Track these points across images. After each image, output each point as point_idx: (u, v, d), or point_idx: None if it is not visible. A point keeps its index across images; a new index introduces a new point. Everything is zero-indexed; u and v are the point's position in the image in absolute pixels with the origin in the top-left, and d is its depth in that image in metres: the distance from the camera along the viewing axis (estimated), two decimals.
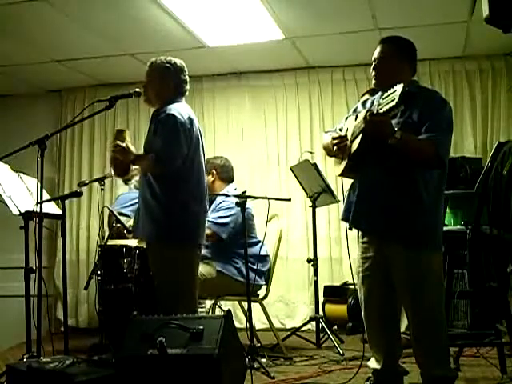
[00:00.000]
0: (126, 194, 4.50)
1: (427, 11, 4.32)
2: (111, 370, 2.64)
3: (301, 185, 4.75)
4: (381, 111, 2.54)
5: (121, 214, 4.30)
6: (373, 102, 2.90)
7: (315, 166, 4.55)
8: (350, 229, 2.92)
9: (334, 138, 2.85)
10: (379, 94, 2.88)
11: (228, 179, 4.36)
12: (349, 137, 2.84)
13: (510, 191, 3.09)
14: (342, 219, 2.96)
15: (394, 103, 2.44)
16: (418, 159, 2.68)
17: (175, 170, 3.06)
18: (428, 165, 2.69)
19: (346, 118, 3.04)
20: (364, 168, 2.80)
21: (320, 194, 4.56)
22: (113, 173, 3.26)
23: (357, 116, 2.84)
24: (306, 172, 4.61)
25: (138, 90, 3.19)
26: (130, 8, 4.20)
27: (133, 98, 3.22)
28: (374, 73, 2.84)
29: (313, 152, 5.30)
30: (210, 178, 4.25)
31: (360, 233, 2.93)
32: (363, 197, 2.80)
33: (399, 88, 2.43)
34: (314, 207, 4.63)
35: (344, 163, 2.84)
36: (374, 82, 2.86)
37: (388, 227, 2.74)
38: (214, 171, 4.32)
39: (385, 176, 2.74)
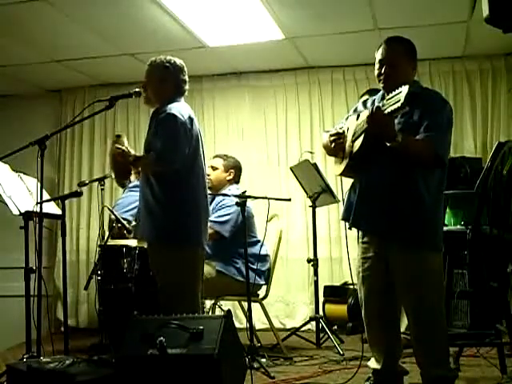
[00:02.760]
0: (124, 199, 4.49)
1: (427, 11, 4.32)
2: (111, 370, 2.64)
3: (301, 185, 4.75)
4: (385, 112, 2.53)
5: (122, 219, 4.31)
6: (373, 102, 2.90)
7: (315, 166, 4.55)
8: (350, 228, 2.93)
9: (331, 135, 2.86)
10: (380, 93, 2.88)
11: (238, 181, 4.41)
12: (350, 136, 2.83)
13: (510, 191, 3.09)
14: (343, 219, 2.96)
15: (399, 104, 2.43)
16: (417, 160, 2.69)
17: (176, 171, 3.06)
18: (428, 165, 2.69)
19: (347, 117, 3.04)
20: (365, 168, 2.80)
21: (320, 193, 4.56)
22: (113, 176, 3.27)
23: (358, 116, 2.83)
24: (306, 172, 4.61)
25: (137, 89, 3.19)
26: (130, 8, 4.20)
27: (133, 97, 3.22)
28: (382, 76, 2.78)
29: (313, 152, 5.30)
30: (226, 176, 4.30)
31: (360, 233, 2.93)
32: (364, 197, 2.80)
33: (404, 90, 2.42)
34: (314, 207, 4.63)
35: (344, 163, 2.85)
36: (382, 84, 2.81)
37: (388, 228, 2.74)
38: (233, 171, 4.34)
39: (385, 176, 2.74)
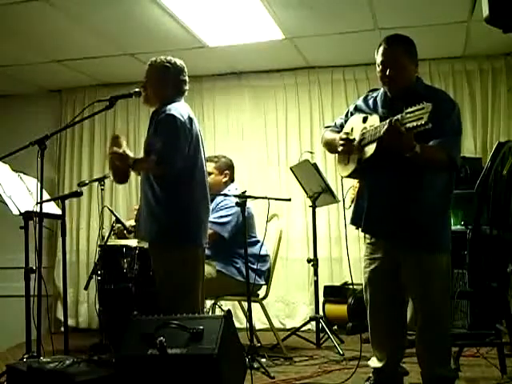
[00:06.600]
0: None
1: (427, 11, 4.32)
2: (111, 370, 2.64)
3: (301, 185, 4.75)
4: (406, 126, 2.48)
5: None
6: (375, 100, 2.88)
7: (315, 165, 4.55)
8: (363, 231, 2.94)
9: (341, 139, 2.82)
10: (381, 91, 2.86)
11: (233, 179, 4.39)
12: (356, 137, 2.79)
13: (510, 191, 3.09)
14: (352, 224, 2.95)
15: (422, 122, 2.40)
16: (432, 166, 2.69)
17: (176, 171, 3.06)
18: (442, 169, 2.71)
19: (346, 113, 3.01)
20: (373, 172, 2.79)
21: (320, 194, 4.56)
22: (112, 178, 3.25)
23: (365, 118, 2.80)
24: (305, 172, 4.61)
25: (137, 89, 3.19)
26: (130, 8, 4.20)
27: (133, 97, 3.22)
28: (386, 79, 2.75)
29: (313, 152, 5.31)
30: (222, 178, 4.28)
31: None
32: (374, 203, 2.81)
33: (428, 107, 2.39)
34: (313, 207, 4.63)
35: (351, 165, 2.82)
36: (386, 87, 2.79)
37: (400, 232, 2.75)
38: (228, 171, 4.33)
39: (395, 180, 2.74)
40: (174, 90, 3.21)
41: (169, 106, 3.11)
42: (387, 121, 2.58)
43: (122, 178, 3.17)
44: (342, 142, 2.81)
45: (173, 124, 3.06)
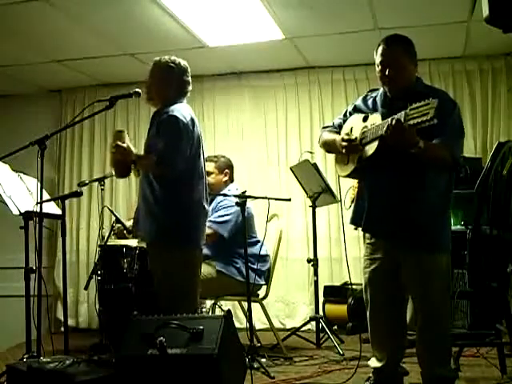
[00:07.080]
0: None
1: (427, 11, 4.32)
2: (111, 370, 2.64)
3: (301, 185, 4.75)
4: (410, 122, 2.47)
5: None
6: (374, 100, 2.88)
7: (315, 165, 4.55)
8: (363, 230, 2.94)
9: (344, 140, 2.79)
10: (381, 91, 2.86)
11: (233, 179, 4.39)
12: (357, 136, 2.78)
13: (510, 191, 3.09)
14: (352, 223, 2.95)
15: (427, 117, 2.38)
16: (435, 164, 2.69)
17: (178, 173, 3.05)
18: (444, 168, 2.71)
19: (345, 113, 3.01)
20: (373, 172, 2.79)
21: (320, 194, 4.56)
22: (113, 173, 3.25)
23: (366, 117, 2.79)
24: (306, 172, 4.61)
25: (138, 90, 3.18)
26: (130, 8, 4.20)
27: (133, 97, 3.21)
28: (387, 79, 2.74)
29: (313, 152, 5.30)
30: (222, 178, 4.29)
31: (367, 234, 2.93)
32: (375, 202, 2.80)
33: (434, 103, 2.37)
34: (313, 207, 4.63)
35: (351, 165, 2.82)
36: (387, 87, 2.78)
37: (401, 232, 2.74)
38: (228, 171, 4.33)
39: (395, 180, 2.73)
40: (177, 90, 3.21)
41: (171, 107, 3.11)
42: (389, 118, 2.58)
43: (123, 172, 3.17)
44: (344, 143, 2.79)
45: (175, 125, 3.05)
